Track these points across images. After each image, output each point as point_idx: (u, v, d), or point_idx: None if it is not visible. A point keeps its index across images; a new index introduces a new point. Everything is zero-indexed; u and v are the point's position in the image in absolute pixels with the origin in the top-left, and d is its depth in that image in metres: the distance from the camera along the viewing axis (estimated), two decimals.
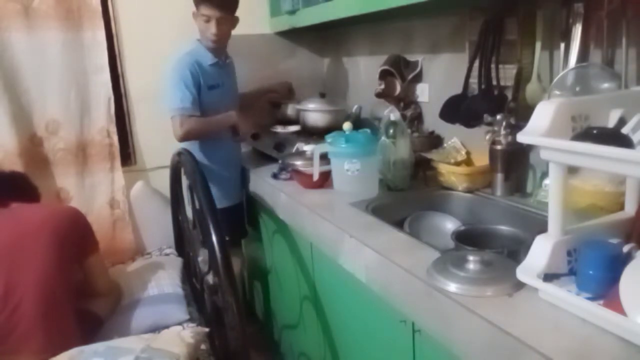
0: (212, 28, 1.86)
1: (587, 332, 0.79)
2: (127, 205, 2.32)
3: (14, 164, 2.04)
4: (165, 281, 1.86)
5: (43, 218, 1.52)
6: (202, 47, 1.94)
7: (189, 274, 1.97)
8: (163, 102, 1.94)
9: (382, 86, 1.96)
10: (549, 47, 1.38)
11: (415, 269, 1.06)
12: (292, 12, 2.24)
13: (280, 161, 1.94)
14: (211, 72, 1.94)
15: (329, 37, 2.59)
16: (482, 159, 1.57)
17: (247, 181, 2.14)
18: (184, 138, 1.88)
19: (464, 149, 1.71)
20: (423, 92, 1.94)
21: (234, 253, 2.05)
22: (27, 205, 1.62)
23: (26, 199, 1.65)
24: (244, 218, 2.23)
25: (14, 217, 1.53)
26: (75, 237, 1.56)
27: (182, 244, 2.15)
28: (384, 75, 1.96)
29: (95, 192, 2.27)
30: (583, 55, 1.24)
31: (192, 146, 1.94)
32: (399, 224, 1.43)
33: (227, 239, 2.03)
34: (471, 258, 1.01)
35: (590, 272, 0.85)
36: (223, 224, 1.98)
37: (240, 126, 2.00)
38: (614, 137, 0.81)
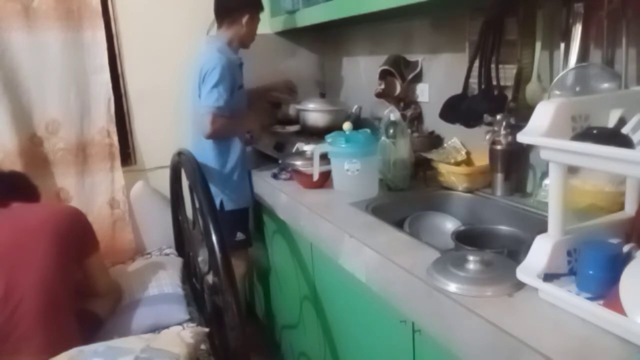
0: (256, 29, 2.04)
1: (587, 332, 0.79)
2: (127, 205, 2.32)
3: (14, 164, 2.04)
4: (165, 281, 1.86)
5: (43, 218, 1.52)
6: (229, 48, 1.96)
7: (189, 274, 1.97)
8: (187, 98, 1.96)
9: (382, 86, 1.96)
10: (549, 47, 1.38)
11: (415, 269, 1.06)
12: (292, 12, 2.24)
13: (280, 161, 1.94)
14: (238, 72, 1.97)
15: (329, 37, 2.59)
16: (482, 159, 1.57)
17: (252, 183, 2.14)
18: (212, 136, 1.89)
19: (464, 149, 1.71)
20: (423, 92, 1.94)
21: (241, 255, 2.05)
22: (27, 205, 1.62)
23: (26, 198, 1.65)
24: (249, 220, 2.22)
25: (14, 217, 1.53)
26: (76, 236, 1.56)
27: (182, 244, 2.15)
28: (384, 75, 1.96)
29: (95, 192, 2.27)
30: (583, 55, 1.24)
31: (206, 147, 1.94)
32: (399, 224, 1.43)
33: (241, 238, 2.06)
34: (471, 258, 1.01)
35: (590, 272, 0.85)
36: (235, 226, 1.94)
37: (254, 130, 2.06)
38: (614, 137, 0.81)
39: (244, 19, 1.94)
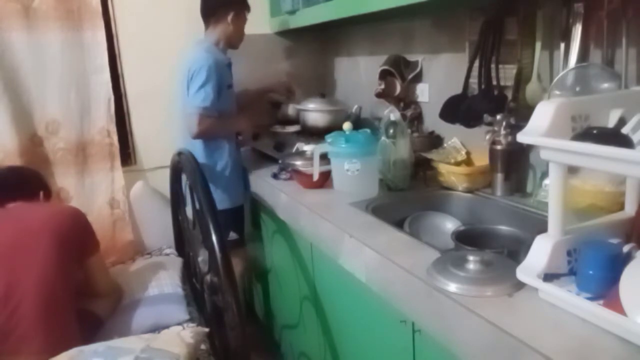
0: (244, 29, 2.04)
1: (587, 332, 0.79)
2: (127, 205, 2.32)
3: (14, 163, 2.04)
4: (165, 281, 1.86)
5: (44, 218, 1.52)
6: (217, 48, 1.97)
7: (189, 274, 1.97)
8: (178, 98, 1.96)
9: (382, 86, 1.96)
10: (549, 47, 1.38)
11: (415, 269, 1.06)
12: (292, 12, 2.24)
13: (280, 161, 1.94)
14: (227, 72, 1.98)
15: (329, 37, 2.59)
16: (482, 159, 1.57)
17: (248, 182, 2.15)
18: (198, 136, 1.90)
19: (464, 149, 1.71)
20: (423, 92, 1.94)
21: (237, 254, 2.06)
22: (28, 205, 1.62)
23: (27, 195, 1.64)
24: (244, 220, 2.23)
25: (15, 217, 1.53)
26: (76, 237, 1.56)
27: (182, 244, 2.15)
28: (384, 75, 1.96)
29: (95, 192, 2.27)
30: (583, 55, 1.24)
31: (196, 147, 1.94)
32: (399, 224, 1.43)
33: (234, 237, 2.07)
34: (471, 258, 1.01)
35: (590, 272, 0.84)
36: (227, 225, 1.99)
37: (245, 132, 2.07)
38: (614, 137, 0.81)
39: (229, 17, 1.95)
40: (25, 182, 1.70)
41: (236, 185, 2.08)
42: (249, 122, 2.10)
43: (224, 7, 1.96)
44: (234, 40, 2.02)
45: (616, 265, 0.81)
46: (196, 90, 1.84)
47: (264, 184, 1.95)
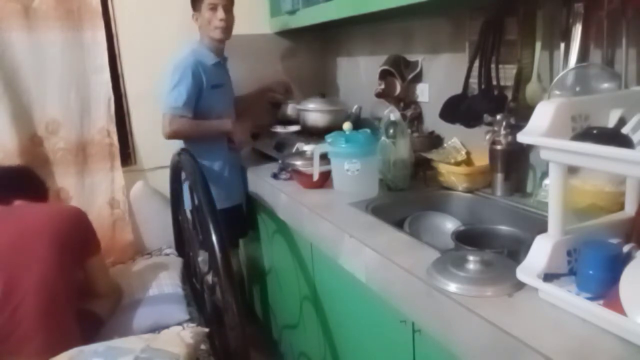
0: (219, 14, 1.92)
1: (587, 332, 0.79)
2: (127, 205, 2.32)
3: (13, 163, 2.04)
4: (165, 281, 1.86)
5: (45, 218, 1.51)
6: (204, 47, 1.97)
7: (189, 274, 1.97)
8: (159, 99, 1.96)
9: (382, 86, 1.97)
10: (549, 47, 1.38)
11: (415, 269, 1.06)
12: (292, 12, 2.25)
13: (280, 161, 1.94)
14: (214, 71, 1.97)
15: (329, 37, 2.59)
16: (482, 159, 1.57)
17: (246, 181, 2.15)
18: (170, 136, 1.91)
19: (464, 149, 1.71)
20: (423, 92, 1.94)
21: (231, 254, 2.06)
22: (29, 205, 1.62)
23: (32, 194, 1.64)
24: (243, 218, 2.23)
25: (16, 216, 1.53)
26: (77, 237, 1.55)
27: (182, 244, 2.14)
28: (384, 75, 1.96)
29: (95, 192, 2.27)
30: (583, 55, 1.24)
31: (193, 147, 1.94)
32: (399, 224, 1.43)
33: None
34: (471, 258, 1.01)
35: (590, 272, 0.84)
36: (222, 225, 2.01)
37: (236, 135, 2.03)
38: (614, 137, 0.81)
39: (194, 14, 1.96)
40: (34, 183, 1.71)
41: (226, 186, 2.07)
42: (242, 125, 2.05)
43: (192, 7, 1.97)
44: (210, 34, 1.95)
45: (616, 265, 0.81)
46: (170, 90, 1.86)
47: (264, 184, 1.95)
